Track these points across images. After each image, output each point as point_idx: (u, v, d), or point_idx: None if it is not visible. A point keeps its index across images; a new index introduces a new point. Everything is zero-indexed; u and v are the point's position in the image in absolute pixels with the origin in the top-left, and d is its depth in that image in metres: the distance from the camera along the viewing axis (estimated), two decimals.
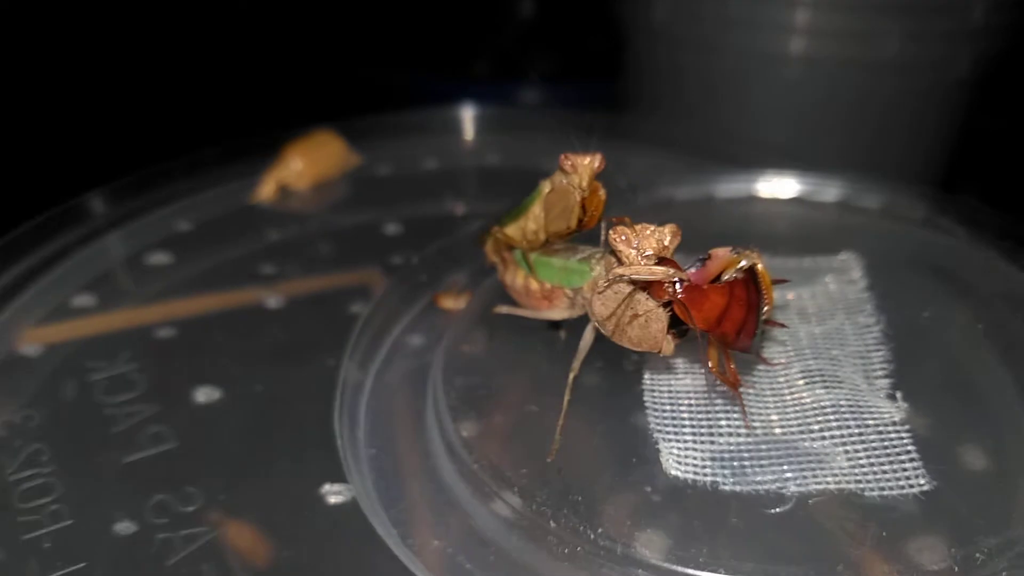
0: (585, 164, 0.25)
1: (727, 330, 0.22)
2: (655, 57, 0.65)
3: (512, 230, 0.28)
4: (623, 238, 0.22)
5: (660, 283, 0.22)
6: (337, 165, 0.42)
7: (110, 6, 0.63)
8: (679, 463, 0.24)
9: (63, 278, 0.34)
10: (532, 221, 0.28)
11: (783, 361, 0.27)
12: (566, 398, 0.25)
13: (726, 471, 0.24)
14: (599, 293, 0.23)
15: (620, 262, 0.23)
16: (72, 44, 0.61)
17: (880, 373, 0.27)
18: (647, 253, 0.22)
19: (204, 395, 0.30)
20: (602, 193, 0.26)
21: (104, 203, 0.38)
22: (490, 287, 0.32)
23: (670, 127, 0.47)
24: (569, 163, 0.25)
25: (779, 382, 0.26)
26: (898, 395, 0.26)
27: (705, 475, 0.24)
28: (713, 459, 0.24)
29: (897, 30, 0.55)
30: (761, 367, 0.27)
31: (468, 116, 0.46)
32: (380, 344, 0.31)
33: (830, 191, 0.38)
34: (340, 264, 0.37)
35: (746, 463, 0.24)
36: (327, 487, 0.26)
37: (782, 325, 0.25)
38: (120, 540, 0.25)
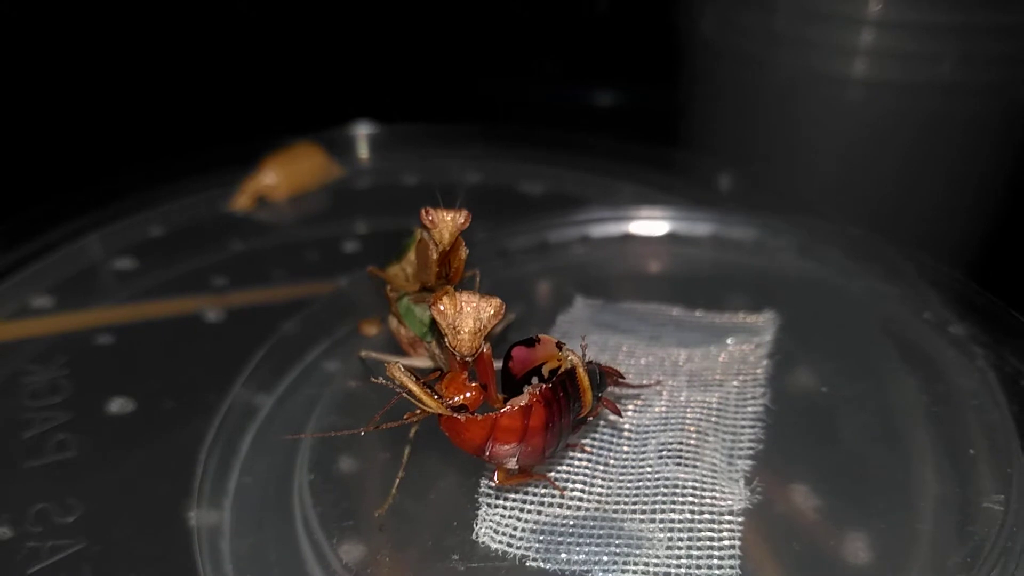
0: (447, 220, 0.25)
1: (495, 457, 0.22)
2: (704, 68, 0.63)
3: (393, 271, 0.28)
4: (440, 309, 0.22)
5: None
6: (317, 177, 0.43)
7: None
8: (496, 532, 0.23)
9: (29, 279, 0.37)
10: (408, 266, 0.28)
11: (628, 432, 0.26)
12: (406, 452, 0.25)
13: (539, 546, 0.23)
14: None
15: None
16: (75, 42, 0.64)
17: (746, 453, 0.25)
18: (464, 336, 0.22)
19: (118, 406, 0.32)
20: (464, 251, 0.26)
21: (85, 205, 0.40)
22: None
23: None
24: (429, 219, 0.25)
25: (631, 454, 0.25)
26: (755, 480, 0.25)
27: (518, 548, 0.23)
28: (533, 531, 0.23)
29: (952, 52, 0.52)
30: (619, 436, 0.26)
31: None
32: (289, 369, 0.32)
33: (789, 237, 0.36)
34: (293, 278, 0.38)
35: (562, 539, 0.23)
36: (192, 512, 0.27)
37: (618, 413, 0.24)
38: None
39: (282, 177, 0.42)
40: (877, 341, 0.32)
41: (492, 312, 0.22)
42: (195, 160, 0.42)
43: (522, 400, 0.22)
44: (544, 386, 0.22)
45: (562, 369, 0.22)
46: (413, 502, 0.25)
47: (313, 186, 0.43)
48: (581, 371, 0.22)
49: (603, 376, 0.24)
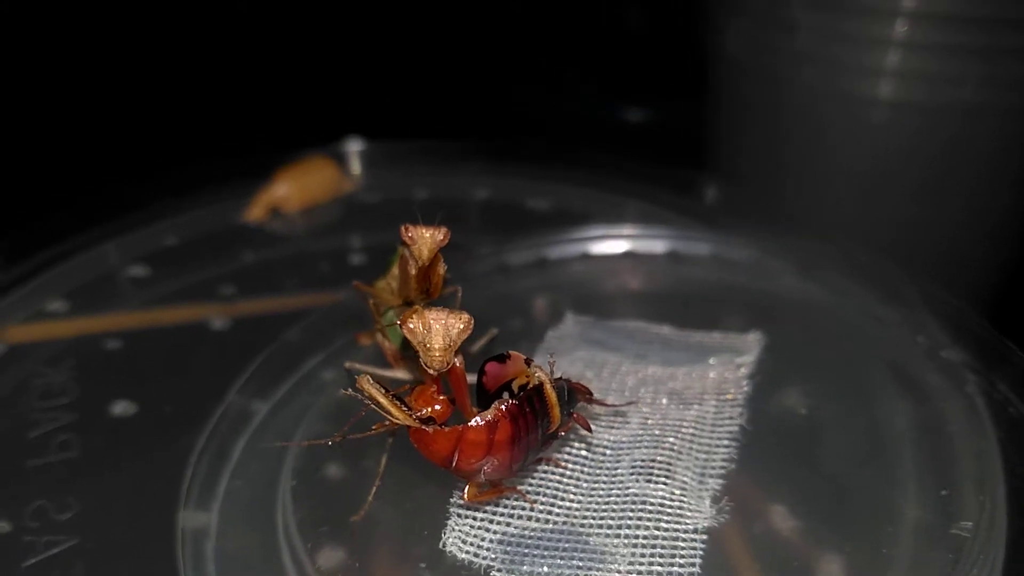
0: (426, 237, 0.26)
1: (461, 469, 0.23)
2: (729, 85, 0.63)
3: (380, 286, 0.29)
4: (410, 327, 0.23)
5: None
6: (329, 190, 0.44)
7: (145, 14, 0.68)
8: (463, 542, 0.24)
9: (46, 284, 0.38)
10: (393, 280, 0.28)
11: (602, 448, 0.26)
12: (383, 460, 0.26)
13: (505, 557, 0.23)
14: None
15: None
16: (98, 60, 0.66)
17: (717, 472, 0.26)
18: (435, 351, 0.23)
19: (121, 409, 0.33)
20: (442, 267, 0.26)
21: (104, 214, 0.41)
22: None
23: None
24: (409, 235, 0.26)
25: (604, 470, 0.26)
26: (724, 499, 0.25)
27: (484, 559, 0.24)
28: (500, 542, 0.24)
29: (975, 74, 0.52)
30: (593, 452, 0.26)
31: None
32: (286, 377, 0.33)
33: (789, 258, 0.36)
34: (300, 289, 0.39)
35: (527, 551, 0.24)
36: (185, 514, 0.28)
37: (588, 429, 0.25)
38: None
39: (294, 189, 0.43)
40: (868, 364, 0.32)
41: (461, 328, 0.23)
42: (211, 172, 0.44)
43: (488, 415, 0.22)
44: (511, 402, 0.22)
45: (530, 385, 0.23)
46: (389, 509, 0.26)
47: (325, 199, 0.44)
48: (548, 387, 0.23)
49: (572, 393, 0.24)
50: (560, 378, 0.24)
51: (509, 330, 0.34)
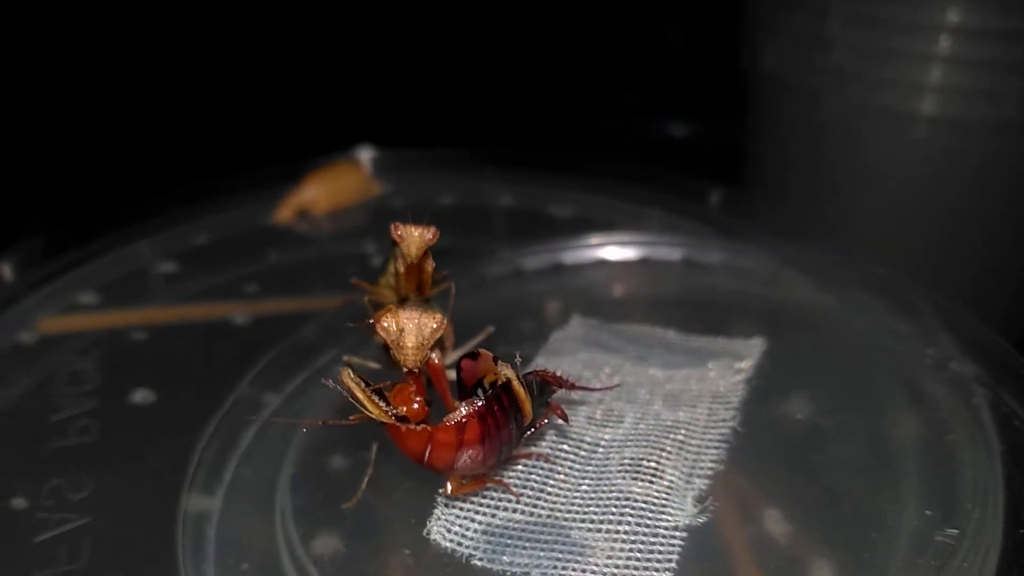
0: (415, 235, 0.26)
1: (434, 466, 0.23)
2: (766, 101, 0.63)
3: (381, 282, 0.30)
4: (384, 326, 0.23)
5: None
6: (356, 194, 0.45)
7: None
8: (448, 531, 0.24)
9: (81, 278, 0.40)
10: (391, 278, 0.29)
11: (593, 445, 0.27)
12: (373, 450, 0.26)
13: (486, 547, 0.24)
14: None
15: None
16: (131, 65, 0.69)
17: (705, 472, 0.26)
18: (408, 350, 0.23)
19: (141, 397, 0.34)
20: (430, 265, 0.27)
21: (140, 213, 0.43)
22: None
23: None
24: (398, 233, 0.26)
25: (594, 467, 0.26)
26: (709, 499, 0.25)
27: (466, 548, 0.24)
28: (484, 532, 0.24)
29: (1016, 90, 0.51)
30: (584, 448, 0.26)
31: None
32: (299, 370, 0.34)
33: (804, 268, 0.36)
34: (322, 289, 0.40)
35: (508, 542, 0.24)
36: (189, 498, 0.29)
37: (565, 419, 0.25)
38: (9, 513, 0.29)
39: (322, 193, 0.44)
40: (876, 373, 0.31)
41: (434, 327, 0.23)
42: (244, 175, 0.45)
43: (457, 415, 0.23)
44: (478, 403, 0.23)
45: (498, 383, 0.23)
46: (381, 498, 0.26)
47: (352, 202, 0.45)
48: (516, 384, 0.23)
49: (545, 385, 0.24)
50: (529, 372, 0.24)
51: (520, 331, 0.35)
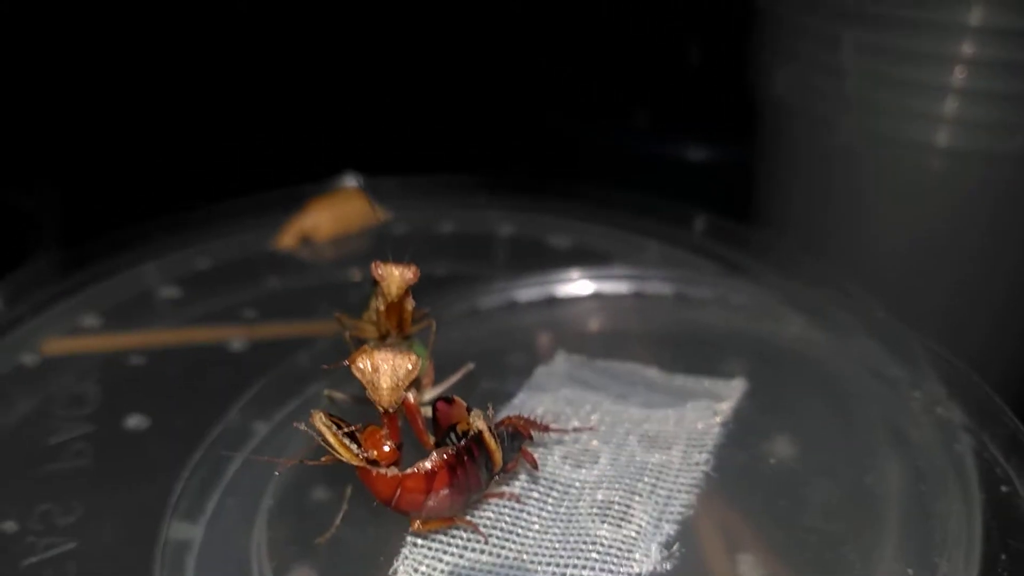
0: (395, 275, 0.27)
1: (401, 510, 0.24)
2: (778, 129, 0.63)
3: (364, 317, 0.30)
4: (359, 367, 0.24)
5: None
6: (358, 221, 0.45)
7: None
8: (415, 570, 0.25)
9: (84, 301, 0.41)
10: (374, 313, 0.29)
11: (564, 487, 0.27)
12: (348, 486, 0.27)
13: None
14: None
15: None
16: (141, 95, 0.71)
17: (674, 517, 0.26)
18: (382, 391, 0.23)
19: (135, 422, 0.35)
20: (410, 303, 0.27)
21: (144, 238, 0.44)
22: None
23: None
24: (379, 272, 0.27)
25: (564, 508, 0.26)
26: (676, 544, 0.25)
27: None
28: (450, 573, 0.25)
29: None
30: (555, 488, 0.27)
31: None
32: (289, 399, 0.34)
33: (797, 306, 0.36)
34: (321, 316, 0.41)
35: None
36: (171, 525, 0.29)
37: (535, 466, 0.25)
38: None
39: (324, 219, 0.45)
40: (860, 416, 0.31)
41: (409, 368, 0.23)
42: (246, 201, 0.46)
43: (427, 464, 0.23)
44: (448, 452, 0.23)
45: (471, 433, 0.24)
46: (354, 534, 0.27)
47: (354, 229, 0.45)
48: (487, 436, 0.24)
49: (515, 434, 0.25)
50: (503, 420, 0.25)
51: (509, 364, 0.35)
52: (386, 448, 0.23)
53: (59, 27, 0.70)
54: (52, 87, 0.70)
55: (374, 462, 0.23)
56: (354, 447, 0.23)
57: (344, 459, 0.23)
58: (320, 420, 0.23)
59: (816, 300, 0.36)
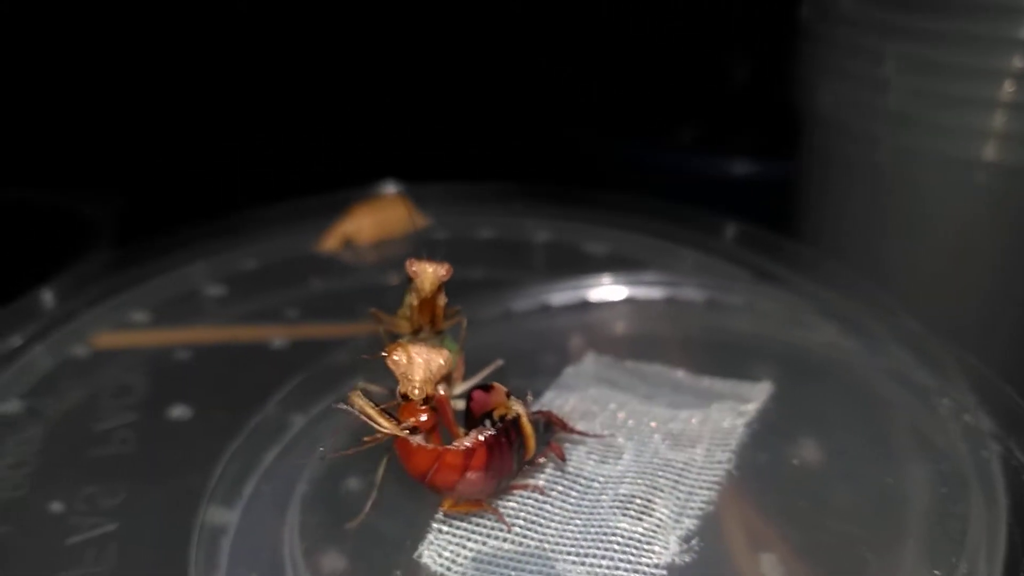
0: (429, 272, 0.28)
1: (434, 486, 0.24)
2: (821, 144, 0.63)
3: (399, 314, 0.31)
4: (394, 360, 0.24)
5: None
6: (400, 226, 0.46)
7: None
8: (439, 555, 0.25)
9: (136, 297, 0.42)
10: (408, 309, 0.30)
11: (588, 481, 0.27)
12: (379, 472, 0.28)
13: (473, 573, 0.25)
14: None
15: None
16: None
17: (695, 513, 0.26)
18: (415, 383, 0.24)
19: (178, 412, 0.36)
20: (442, 299, 0.28)
21: (197, 239, 0.46)
22: None
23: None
24: (413, 269, 0.28)
25: (587, 501, 0.27)
26: (695, 539, 0.25)
27: (454, 573, 0.25)
28: (473, 559, 0.25)
29: None
30: (579, 482, 0.27)
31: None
32: (327, 393, 0.35)
33: (830, 315, 0.36)
34: (362, 317, 0.42)
35: (494, 570, 0.25)
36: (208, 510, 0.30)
37: (563, 459, 0.26)
38: (47, 516, 0.31)
39: (367, 223, 0.46)
40: (887, 422, 0.31)
41: (441, 363, 0.24)
42: (289, 205, 0.47)
43: (468, 441, 0.24)
44: (489, 432, 0.24)
45: (508, 417, 0.24)
46: (384, 520, 0.27)
47: (396, 234, 0.47)
48: (524, 420, 0.24)
49: (548, 425, 0.25)
50: (538, 412, 0.25)
51: (541, 365, 0.36)
52: (423, 417, 0.24)
53: (120, 41, 0.73)
54: (117, 98, 0.73)
55: (414, 430, 0.24)
56: (392, 419, 0.24)
57: (385, 429, 0.24)
58: (359, 397, 0.24)
59: (847, 308, 0.36)
